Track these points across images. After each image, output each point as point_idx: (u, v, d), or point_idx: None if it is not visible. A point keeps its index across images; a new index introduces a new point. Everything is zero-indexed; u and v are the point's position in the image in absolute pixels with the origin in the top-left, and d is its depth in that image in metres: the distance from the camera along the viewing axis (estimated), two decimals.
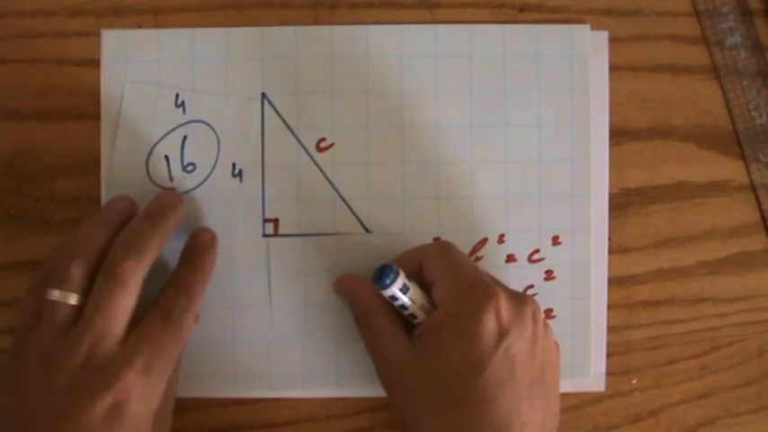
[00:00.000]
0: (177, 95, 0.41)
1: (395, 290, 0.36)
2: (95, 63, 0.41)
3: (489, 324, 0.35)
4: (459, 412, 0.34)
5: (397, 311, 0.38)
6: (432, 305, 0.37)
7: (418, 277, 0.38)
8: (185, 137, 0.41)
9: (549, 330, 0.37)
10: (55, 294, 0.34)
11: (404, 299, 0.36)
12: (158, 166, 0.41)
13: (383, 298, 0.37)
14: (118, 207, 0.38)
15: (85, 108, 0.41)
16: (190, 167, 0.41)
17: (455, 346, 0.35)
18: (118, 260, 0.34)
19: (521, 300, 0.36)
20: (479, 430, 0.34)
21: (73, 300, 0.34)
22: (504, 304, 0.35)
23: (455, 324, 0.35)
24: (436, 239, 0.41)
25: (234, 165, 0.41)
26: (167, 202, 0.38)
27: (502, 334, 0.35)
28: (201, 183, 0.41)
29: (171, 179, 0.41)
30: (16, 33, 0.41)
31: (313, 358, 0.41)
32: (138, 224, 0.37)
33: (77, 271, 0.35)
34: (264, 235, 0.41)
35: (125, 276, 0.34)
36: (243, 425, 0.42)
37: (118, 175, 0.41)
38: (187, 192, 0.41)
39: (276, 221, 0.41)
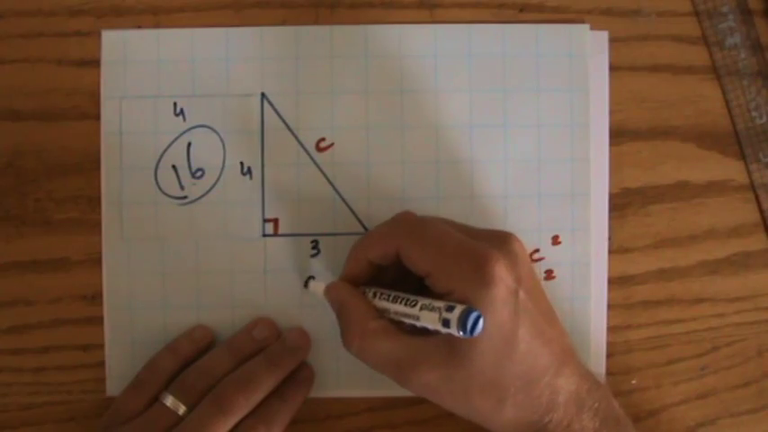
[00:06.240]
0: (175, 104, 0.41)
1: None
2: (95, 63, 0.41)
3: (501, 301, 0.33)
4: (516, 393, 0.34)
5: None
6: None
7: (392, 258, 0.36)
8: (189, 143, 0.41)
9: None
10: (169, 400, 0.37)
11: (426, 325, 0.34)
12: (167, 177, 0.41)
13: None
14: (253, 337, 0.40)
15: (85, 108, 0.41)
16: (198, 173, 0.41)
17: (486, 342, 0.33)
18: (229, 393, 0.37)
19: (507, 246, 0.35)
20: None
21: (181, 411, 0.37)
22: (503, 266, 0.34)
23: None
24: (409, 214, 0.38)
25: (242, 163, 0.41)
26: (293, 344, 0.40)
27: (515, 296, 0.34)
28: (212, 187, 0.41)
29: (181, 188, 0.41)
30: (16, 33, 0.41)
31: (313, 358, 0.41)
32: (256, 365, 0.38)
33: (196, 388, 0.38)
34: (264, 235, 0.41)
35: (231, 410, 0.37)
36: None
37: (128, 193, 0.41)
38: (200, 198, 0.41)
39: (276, 221, 0.41)
